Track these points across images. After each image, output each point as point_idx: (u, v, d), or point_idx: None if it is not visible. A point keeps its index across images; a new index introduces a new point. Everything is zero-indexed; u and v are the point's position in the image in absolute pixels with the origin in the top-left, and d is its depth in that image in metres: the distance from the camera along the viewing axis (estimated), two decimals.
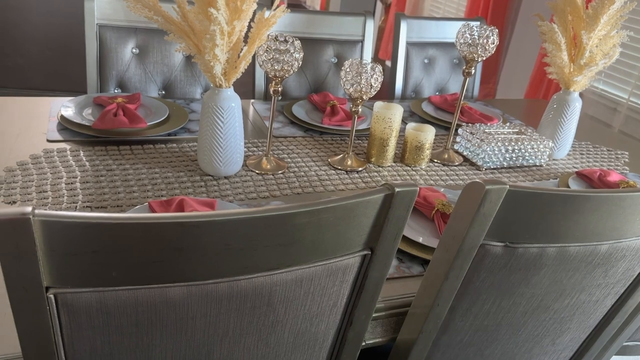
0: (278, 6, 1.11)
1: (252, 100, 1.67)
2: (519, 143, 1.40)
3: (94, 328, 0.58)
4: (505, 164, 1.40)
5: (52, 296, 0.54)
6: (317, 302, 0.68)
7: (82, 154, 1.19)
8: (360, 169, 1.30)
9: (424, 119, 1.64)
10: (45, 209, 0.96)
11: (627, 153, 1.63)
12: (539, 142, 1.41)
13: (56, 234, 0.50)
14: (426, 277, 0.78)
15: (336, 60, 1.85)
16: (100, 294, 0.56)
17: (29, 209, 0.48)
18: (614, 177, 1.33)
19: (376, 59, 4.79)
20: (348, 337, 0.76)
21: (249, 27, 1.09)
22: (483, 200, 0.65)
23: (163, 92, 1.68)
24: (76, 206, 1.00)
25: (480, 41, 1.28)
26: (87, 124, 1.28)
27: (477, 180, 0.66)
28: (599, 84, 2.56)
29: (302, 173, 1.25)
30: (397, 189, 0.62)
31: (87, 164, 1.15)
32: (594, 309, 0.90)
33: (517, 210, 0.69)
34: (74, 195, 1.04)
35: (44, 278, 0.53)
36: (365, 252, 0.68)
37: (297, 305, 0.67)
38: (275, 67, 1.13)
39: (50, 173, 1.10)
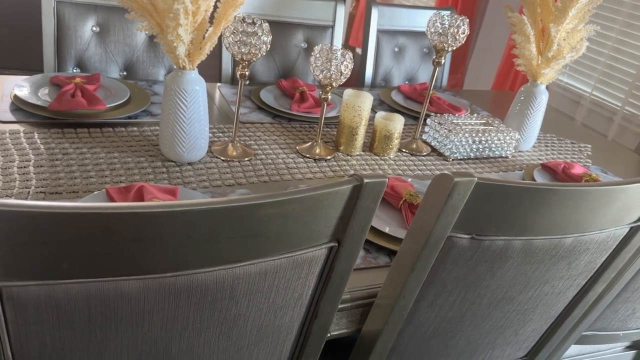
0: None
1: (218, 84, 1.63)
2: (486, 134, 1.40)
3: (43, 323, 0.55)
4: (472, 154, 1.41)
5: None
6: (282, 295, 0.66)
7: (36, 137, 1.13)
8: (328, 157, 1.28)
9: (393, 108, 1.63)
10: None
11: (589, 146, 1.66)
12: (505, 134, 1.42)
13: (0, 223, 0.47)
14: (393, 268, 0.77)
15: (306, 46, 1.81)
16: (50, 287, 0.52)
17: None
18: (577, 169, 1.35)
19: (346, 45, 4.76)
20: (313, 329, 0.75)
21: (215, 7, 1.05)
22: (451, 192, 0.64)
23: (124, 73, 1.61)
24: (29, 192, 0.95)
25: (451, 30, 1.27)
26: (42, 104, 1.22)
27: (446, 172, 0.64)
28: (564, 77, 2.61)
29: (270, 160, 1.22)
30: (365, 180, 0.60)
31: (41, 147, 1.10)
32: (557, 301, 0.91)
33: (484, 203, 0.68)
34: (27, 180, 0.98)
35: None
36: (332, 244, 0.66)
37: (261, 298, 0.65)
38: (242, 50, 1.10)
39: (1, 156, 1.04)
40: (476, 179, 0.64)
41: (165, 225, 0.52)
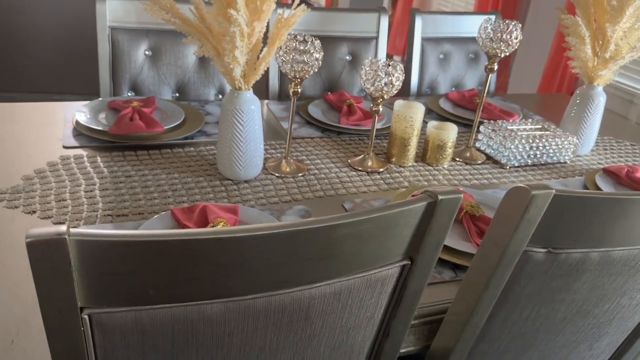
0: (297, 4, 1.08)
1: (266, 101, 1.64)
2: (543, 140, 1.36)
3: (129, 347, 0.56)
4: (529, 161, 1.37)
5: (86, 317, 0.52)
6: (355, 314, 0.66)
7: (99, 160, 1.17)
8: (381, 169, 1.27)
9: (442, 116, 1.61)
10: (79, 225, 0.94)
11: None
12: (562, 139, 1.38)
13: (91, 253, 0.48)
14: (464, 284, 0.75)
15: (350, 58, 1.81)
16: (136, 313, 0.53)
17: (64, 228, 0.46)
18: None
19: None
20: (384, 348, 0.74)
21: (268, 27, 1.06)
22: (528, 205, 0.63)
23: (177, 95, 1.65)
24: (97, 215, 0.98)
25: (504, 37, 1.25)
26: (102, 129, 1.26)
27: (521, 185, 0.63)
28: (615, 76, 2.52)
29: (323, 175, 1.23)
30: (440, 197, 0.59)
31: (105, 170, 1.13)
32: (634, 312, 0.87)
33: (562, 216, 0.66)
34: (94, 204, 1.01)
35: (79, 299, 0.50)
36: (405, 262, 0.65)
37: (335, 318, 0.64)
38: (296, 68, 1.11)
39: (69, 181, 1.08)
40: (554, 191, 0.62)
41: (247, 249, 0.52)
